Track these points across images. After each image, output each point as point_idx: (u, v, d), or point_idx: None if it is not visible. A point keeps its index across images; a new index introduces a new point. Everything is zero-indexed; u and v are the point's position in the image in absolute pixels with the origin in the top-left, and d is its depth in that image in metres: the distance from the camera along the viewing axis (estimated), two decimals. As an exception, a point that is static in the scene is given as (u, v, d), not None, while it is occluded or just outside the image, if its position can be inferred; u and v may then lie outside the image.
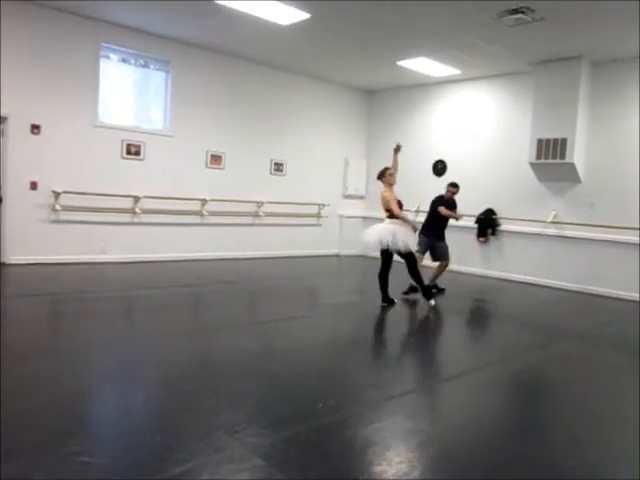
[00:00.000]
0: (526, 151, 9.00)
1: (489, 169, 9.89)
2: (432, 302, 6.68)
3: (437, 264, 7.72)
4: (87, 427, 3.06)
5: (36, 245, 7.89)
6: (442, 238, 7.66)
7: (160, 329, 5.10)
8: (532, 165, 9.00)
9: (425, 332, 5.83)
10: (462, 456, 2.87)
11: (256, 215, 10.19)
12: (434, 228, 7.64)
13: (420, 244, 7.47)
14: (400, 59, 9.08)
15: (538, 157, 8.77)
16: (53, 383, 3.55)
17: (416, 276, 6.72)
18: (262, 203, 10.20)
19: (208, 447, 2.74)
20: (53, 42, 7.81)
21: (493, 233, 9.80)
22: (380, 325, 5.96)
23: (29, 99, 7.69)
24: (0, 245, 7.71)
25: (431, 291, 7.03)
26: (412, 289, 7.34)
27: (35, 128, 7.79)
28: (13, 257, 7.72)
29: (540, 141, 8.71)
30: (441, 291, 7.72)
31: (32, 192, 7.82)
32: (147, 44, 8.69)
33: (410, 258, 6.60)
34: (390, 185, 6.53)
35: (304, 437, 2.93)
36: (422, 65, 9.31)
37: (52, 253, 8.02)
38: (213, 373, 3.93)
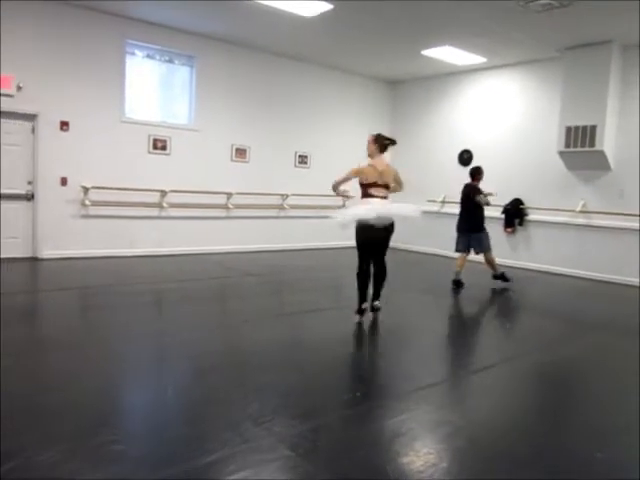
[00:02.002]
0: (554, 139, 8.84)
1: (516, 158, 9.73)
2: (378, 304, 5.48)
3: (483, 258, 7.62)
4: (120, 417, 3.14)
5: (67, 240, 8.07)
6: (477, 229, 7.53)
7: (189, 321, 5.18)
8: (560, 154, 8.83)
9: (453, 323, 5.80)
10: (490, 447, 2.86)
11: (281, 208, 10.23)
12: (470, 220, 7.55)
13: (457, 242, 7.54)
14: (425, 48, 8.98)
15: (567, 145, 8.60)
16: (86, 374, 3.64)
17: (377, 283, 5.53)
18: (287, 196, 10.23)
19: (237, 437, 2.78)
20: (80, 40, 7.94)
21: (521, 223, 9.66)
22: (406, 316, 5.94)
23: (58, 96, 7.84)
24: (33, 240, 7.92)
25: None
26: (500, 276, 7.49)
27: (64, 125, 7.94)
28: (45, 252, 7.92)
29: (569, 129, 8.54)
30: (506, 280, 7.62)
31: (62, 188, 7.99)
32: (171, 40, 8.77)
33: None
34: (370, 157, 5.50)
35: (331, 427, 2.96)
36: (447, 54, 9.19)
37: (82, 247, 8.19)
38: (241, 364, 3.98)
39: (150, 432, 2.89)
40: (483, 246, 7.53)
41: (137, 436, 2.84)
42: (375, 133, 5.62)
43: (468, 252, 7.60)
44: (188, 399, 3.32)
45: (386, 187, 5.36)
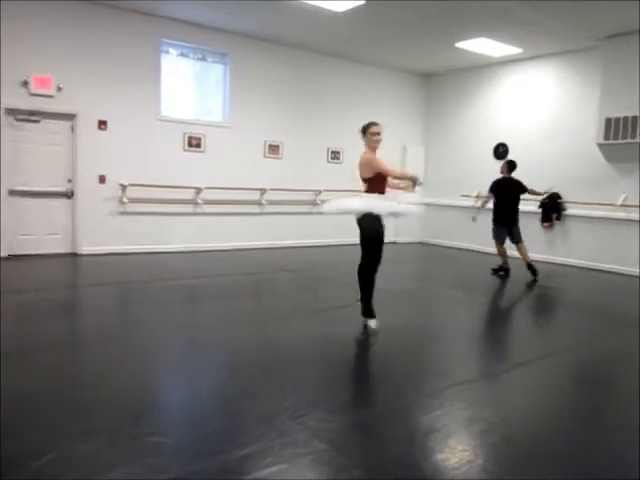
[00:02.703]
0: (593, 131, 8.60)
1: (553, 152, 9.50)
2: (372, 324, 4.82)
3: (517, 248, 7.91)
4: (156, 410, 3.20)
5: (105, 236, 8.27)
6: (516, 222, 7.86)
7: (224, 317, 5.24)
8: (600, 146, 8.59)
9: (488, 319, 5.72)
10: (525, 445, 2.81)
11: (314, 203, 10.25)
12: (511, 214, 7.84)
13: (499, 234, 7.86)
14: (459, 40, 8.85)
15: (606, 137, 8.36)
16: (124, 367, 3.73)
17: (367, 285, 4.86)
18: (320, 191, 10.24)
19: (272, 431, 2.80)
20: (117, 41, 8.11)
21: (558, 218, 9.44)
22: (440, 312, 5.89)
23: (96, 96, 8.02)
24: (73, 236, 8.14)
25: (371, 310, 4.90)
26: (501, 269, 7.70)
27: (102, 124, 8.13)
28: (84, 248, 8.13)
29: (609, 120, 8.29)
30: (534, 271, 7.72)
31: (101, 186, 8.19)
32: (205, 38, 8.87)
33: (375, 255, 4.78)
34: (374, 149, 4.90)
35: (366, 422, 2.96)
36: (482, 45, 9.04)
37: (120, 243, 8.38)
38: (276, 359, 4.01)
39: (186, 425, 2.94)
40: (521, 237, 7.86)
41: (173, 429, 2.89)
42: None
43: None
44: (224, 393, 3.37)
45: (363, 181, 4.93)
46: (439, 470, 2.50)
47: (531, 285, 7.39)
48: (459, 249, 10.78)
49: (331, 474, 2.45)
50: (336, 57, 10.30)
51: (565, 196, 9.35)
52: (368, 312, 4.80)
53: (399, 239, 11.52)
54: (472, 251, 10.47)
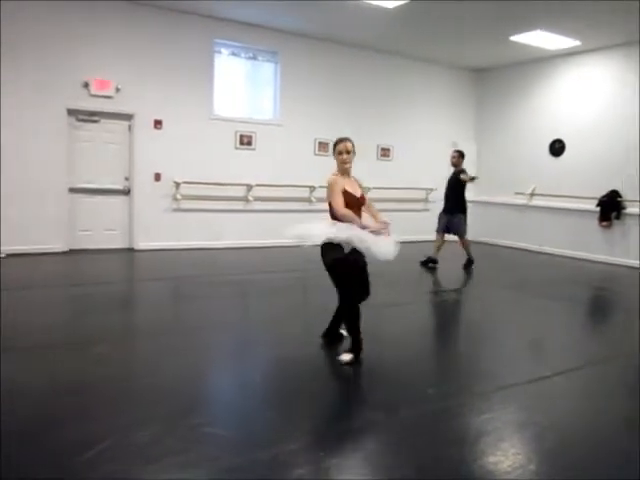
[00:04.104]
0: (657, 126, 8.21)
1: (613, 148, 9.11)
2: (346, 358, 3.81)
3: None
4: (209, 401, 3.29)
5: (160, 232, 8.52)
6: (453, 212, 7.91)
7: (274, 311, 5.31)
8: (664, 142, 8.20)
9: (540, 321, 5.56)
10: (579, 450, 2.73)
11: (363, 201, 10.22)
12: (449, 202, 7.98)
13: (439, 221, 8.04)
14: (513, 34, 8.62)
15: (672, 132, 7.97)
16: (178, 359, 3.84)
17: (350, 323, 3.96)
18: (369, 189, 10.18)
19: (320, 426, 2.83)
20: (171, 42, 8.32)
21: (618, 217, 9.07)
22: (488, 313, 5.77)
23: (152, 97, 8.27)
24: (129, 232, 8.43)
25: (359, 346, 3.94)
26: (430, 260, 7.84)
27: (157, 123, 8.37)
28: (140, 243, 8.40)
29: (675, 114, 7.90)
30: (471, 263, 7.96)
31: (156, 183, 8.44)
32: (256, 37, 8.99)
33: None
34: (343, 171, 3.94)
35: (415, 422, 2.94)
36: (538, 38, 8.76)
37: (174, 239, 8.62)
38: (324, 355, 4.03)
39: (237, 417, 3.01)
40: (461, 231, 8.05)
41: (225, 420, 2.96)
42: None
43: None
44: (274, 387, 3.42)
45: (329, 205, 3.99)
46: (491, 473, 2.45)
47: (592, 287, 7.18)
48: (512, 248, 10.51)
49: (382, 472, 2.46)
50: (385, 53, 10.23)
51: (625, 194, 8.97)
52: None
53: (451, 237, 11.33)
54: (525, 250, 10.20)
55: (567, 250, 9.39)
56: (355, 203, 3.91)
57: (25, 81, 7.40)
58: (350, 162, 3.90)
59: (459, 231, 7.94)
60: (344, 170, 3.92)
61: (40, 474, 2.31)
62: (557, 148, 10.04)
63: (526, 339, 4.85)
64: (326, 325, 4.24)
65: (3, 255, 7.31)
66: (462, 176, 7.79)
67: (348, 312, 3.87)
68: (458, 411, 3.11)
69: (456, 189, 7.87)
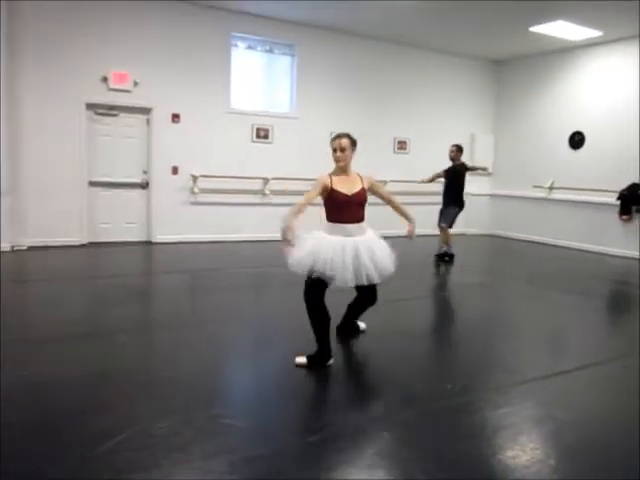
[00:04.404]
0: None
1: (635, 140, 8.96)
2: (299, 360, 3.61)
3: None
4: (227, 393, 3.33)
5: (177, 225, 8.58)
6: (448, 205, 7.95)
7: (291, 304, 5.32)
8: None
9: (558, 315, 5.51)
10: (599, 446, 2.71)
11: (379, 194, 10.19)
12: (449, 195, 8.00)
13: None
14: (534, 24, 8.49)
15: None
16: (196, 351, 3.88)
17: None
18: (386, 182, 10.16)
19: (339, 419, 2.85)
20: (189, 36, 8.35)
21: (638, 210, 8.93)
22: (508, 307, 5.73)
23: (169, 90, 8.31)
24: (147, 225, 8.51)
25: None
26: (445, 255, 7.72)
27: (175, 117, 8.42)
28: (158, 236, 8.48)
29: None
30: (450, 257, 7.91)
31: (174, 177, 8.50)
32: (273, 30, 8.97)
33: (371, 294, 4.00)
34: (340, 169, 3.75)
35: (433, 416, 2.94)
36: (558, 29, 8.63)
37: (191, 232, 8.68)
38: (342, 348, 4.04)
39: (256, 409, 3.03)
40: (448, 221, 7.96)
41: (243, 412, 2.98)
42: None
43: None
44: (291, 380, 3.42)
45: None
46: (509, 467, 2.45)
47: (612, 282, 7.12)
48: (530, 242, 10.42)
49: (400, 466, 2.46)
50: (403, 45, 10.15)
51: (647, 187, 8.83)
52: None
53: (468, 231, 11.27)
54: (544, 244, 10.10)
55: (586, 244, 9.26)
56: (345, 202, 3.69)
57: (45, 75, 7.48)
58: (344, 160, 3.69)
59: (447, 220, 7.89)
60: (339, 168, 3.73)
61: (61, 465, 2.35)
62: (577, 140, 9.90)
63: (545, 333, 4.82)
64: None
65: (24, 247, 7.44)
66: (471, 165, 7.82)
67: (308, 312, 3.70)
68: (476, 405, 3.10)
69: (456, 182, 7.82)
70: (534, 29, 8.68)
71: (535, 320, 5.22)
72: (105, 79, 7.85)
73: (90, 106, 7.87)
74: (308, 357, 3.58)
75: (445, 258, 7.91)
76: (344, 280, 3.54)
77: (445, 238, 7.93)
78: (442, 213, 8.03)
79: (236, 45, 8.92)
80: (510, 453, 2.57)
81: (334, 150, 3.73)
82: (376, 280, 3.70)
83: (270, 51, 9.28)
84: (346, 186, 3.73)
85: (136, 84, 8.05)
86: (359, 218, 3.82)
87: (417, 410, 3.01)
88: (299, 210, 3.64)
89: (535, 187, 10.39)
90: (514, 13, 7.95)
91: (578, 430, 2.86)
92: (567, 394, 3.39)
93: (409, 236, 4.21)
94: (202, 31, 8.43)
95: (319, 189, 3.69)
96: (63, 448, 2.48)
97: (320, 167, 9.71)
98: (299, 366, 3.55)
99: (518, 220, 10.94)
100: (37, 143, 7.53)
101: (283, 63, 9.42)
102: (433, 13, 8.15)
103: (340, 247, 3.57)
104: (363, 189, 3.81)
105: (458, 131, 11.14)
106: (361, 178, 3.85)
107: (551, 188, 10.18)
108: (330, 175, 3.76)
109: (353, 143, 3.78)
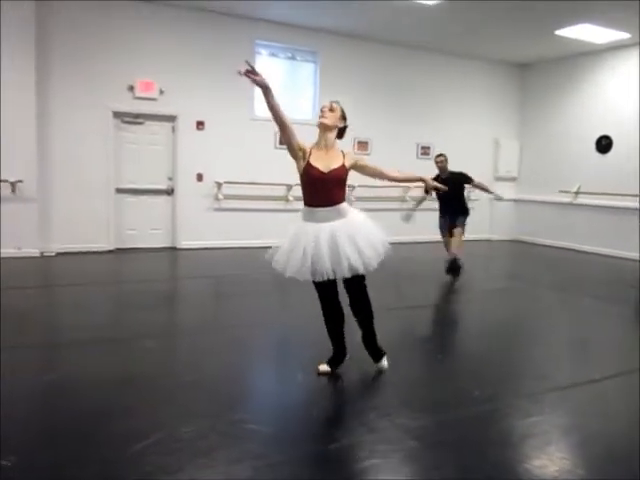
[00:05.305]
0: None
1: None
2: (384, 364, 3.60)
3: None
4: (251, 398, 3.33)
5: (202, 231, 8.67)
6: (457, 214, 7.19)
7: (316, 309, 5.32)
8: None
9: (587, 321, 5.40)
10: (630, 459, 2.62)
11: (403, 200, 10.15)
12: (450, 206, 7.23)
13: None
14: (559, 28, 8.39)
15: None
16: (220, 356, 3.90)
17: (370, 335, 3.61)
18: (409, 188, 10.13)
19: (362, 426, 2.83)
20: (213, 44, 8.45)
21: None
22: (536, 312, 5.64)
23: (194, 98, 8.42)
24: (173, 231, 8.61)
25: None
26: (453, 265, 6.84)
27: (200, 124, 8.53)
28: (183, 242, 8.57)
29: None
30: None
31: (198, 183, 8.60)
32: (296, 37, 9.03)
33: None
34: (320, 137, 3.53)
35: (459, 423, 2.90)
36: (584, 32, 8.51)
37: (215, 238, 8.75)
38: (365, 355, 4.02)
39: (280, 414, 3.03)
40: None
41: (268, 417, 2.98)
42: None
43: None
44: (315, 386, 3.42)
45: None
46: (537, 477, 2.40)
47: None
48: (556, 247, 10.25)
49: (424, 471, 2.44)
50: (426, 51, 10.11)
51: (678, 191, 8.62)
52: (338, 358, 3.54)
53: (493, 237, 11.16)
54: (569, 250, 9.92)
55: (613, 249, 9.08)
56: (319, 180, 3.30)
57: (74, 84, 7.65)
58: (330, 120, 3.39)
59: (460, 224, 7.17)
60: (322, 135, 3.41)
61: (87, 468, 2.38)
62: (604, 145, 9.73)
63: (573, 340, 4.73)
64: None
65: (53, 253, 7.58)
66: (473, 178, 7.15)
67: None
68: (504, 413, 3.05)
69: (458, 193, 7.20)
70: (560, 32, 8.57)
71: (563, 326, 5.13)
72: (131, 88, 8.00)
73: (117, 114, 8.02)
74: (328, 362, 3.55)
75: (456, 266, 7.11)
76: (322, 274, 3.21)
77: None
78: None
79: (259, 52, 9.00)
80: (537, 462, 2.52)
81: (321, 111, 3.45)
82: (360, 270, 3.24)
83: (292, 58, 9.34)
84: (323, 163, 3.34)
85: (161, 92, 8.18)
86: (335, 199, 3.33)
87: (443, 417, 2.97)
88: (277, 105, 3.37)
89: (561, 192, 10.23)
90: (540, 16, 7.86)
91: (608, 440, 2.80)
92: (597, 403, 3.32)
93: (431, 190, 3.72)
94: (226, 39, 8.52)
95: (299, 143, 3.45)
96: (90, 451, 2.51)
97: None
98: (322, 374, 3.51)
99: (543, 225, 10.78)
100: (67, 150, 7.69)
101: (305, 70, 9.47)
102: (456, 17, 8.11)
103: (313, 237, 3.23)
104: (343, 167, 3.37)
105: (481, 136, 11.06)
106: (344, 155, 3.45)
107: (577, 193, 10.01)
108: (310, 148, 3.43)
109: (344, 117, 3.50)
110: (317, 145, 3.43)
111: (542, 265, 8.89)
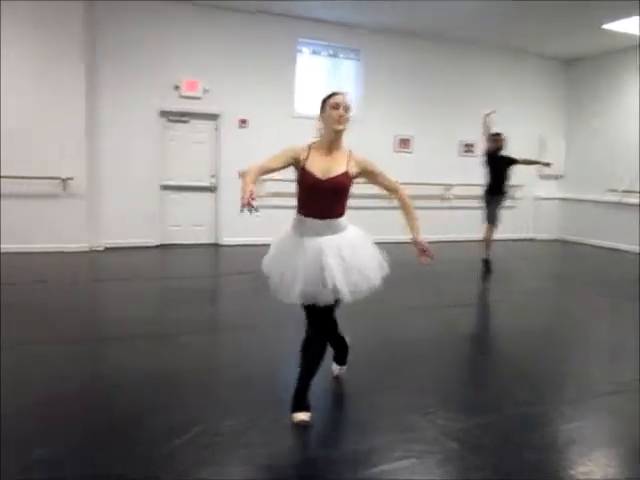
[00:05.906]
0: None
1: None
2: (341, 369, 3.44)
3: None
4: (289, 395, 3.36)
5: (244, 228, 8.77)
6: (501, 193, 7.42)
7: (358, 306, 5.33)
8: None
9: (634, 325, 5.24)
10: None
11: (444, 198, 10.05)
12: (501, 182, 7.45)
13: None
14: (607, 22, 8.13)
15: None
16: (258, 353, 3.96)
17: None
18: (451, 186, 10.01)
19: (399, 426, 2.83)
20: (256, 43, 8.55)
21: None
22: (577, 314, 5.50)
23: (237, 96, 8.54)
24: (215, 228, 8.76)
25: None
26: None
27: (242, 122, 8.65)
28: (225, 239, 8.72)
29: None
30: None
31: (241, 180, 8.69)
32: (338, 35, 9.04)
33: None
34: (329, 138, 2.95)
35: (500, 425, 2.88)
36: (634, 25, 8.21)
37: (257, 235, 8.81)
38: (404, 354, 4.02)
39: (318, 412, 3.05)
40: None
41: (310, 413, 3.01)
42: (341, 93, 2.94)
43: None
44: (351, 385, 3.43)
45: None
46: (581, 483, 2.37)
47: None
48: (602, 247, 9.95)
49: (463, 473, 2.43)
50: (469, 45, 9.94)
51: None
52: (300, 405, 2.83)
53: (537, 236, 10.92)
54: (616, 250, 9.62)
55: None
56: (314, 187, 2.81)
57: (123, 83, 7.89)
58: (346, 124, 2.81)
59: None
60: (332, 138, 2.84)
61: (130, 462, 2.42)
62: (656, 142, 9.38)
63: (617, 344, 4.60)
64: (404, 324, 4.20)
65: (101, 248, 7.84)
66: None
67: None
68: (547, 417, 3.01)
69: (508, 173, 7.48)
70: (607, 26, 8.31)
71: (607, 330, 4.99)
72: (177, 87, 8.17)
73: (163, 113, 8.21)
74: (334, 359, 3.43)
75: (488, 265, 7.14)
76: (287, 295, 2.80)
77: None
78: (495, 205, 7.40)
79: (301, 50, 9.05)
80: (582, 469, 2.48)
81: (335, 107, 2.78)
82: (346, 297, 2.77)
83: (334, 55, 9.36)
84: (323, 166, 2.82)
85: (206, 91, 8.33)
86: (331, 212, 2.84)
87: (484, 419, 2.95)
88: (252, 174, 2.75)
89: (609, 191, 9.92)
90: (586, 11, 7.65)
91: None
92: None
93: (425, 257, 3.07)
94: (269, 37, 8.61)
95: (288, 156, 2.85)
96: (131, 445, 2.56)
97: (383, 170, 9.69)
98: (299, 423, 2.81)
99: (590, 225, 10.48)
100: (116, 148, 7.93)
101: (347, 67, 9.46)
102: (499, 10, 7.95)
103: (295, 251, 2.83)
104: (346, 174, 2.84)
105: (526, 133, 10.81)
106: (349, 159, 2.91)
107: (626, 191, 9.69)
108: (310, 147, 2.87)
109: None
110: (319, 144, 2.88)
111: (587, 265, 8.66)
